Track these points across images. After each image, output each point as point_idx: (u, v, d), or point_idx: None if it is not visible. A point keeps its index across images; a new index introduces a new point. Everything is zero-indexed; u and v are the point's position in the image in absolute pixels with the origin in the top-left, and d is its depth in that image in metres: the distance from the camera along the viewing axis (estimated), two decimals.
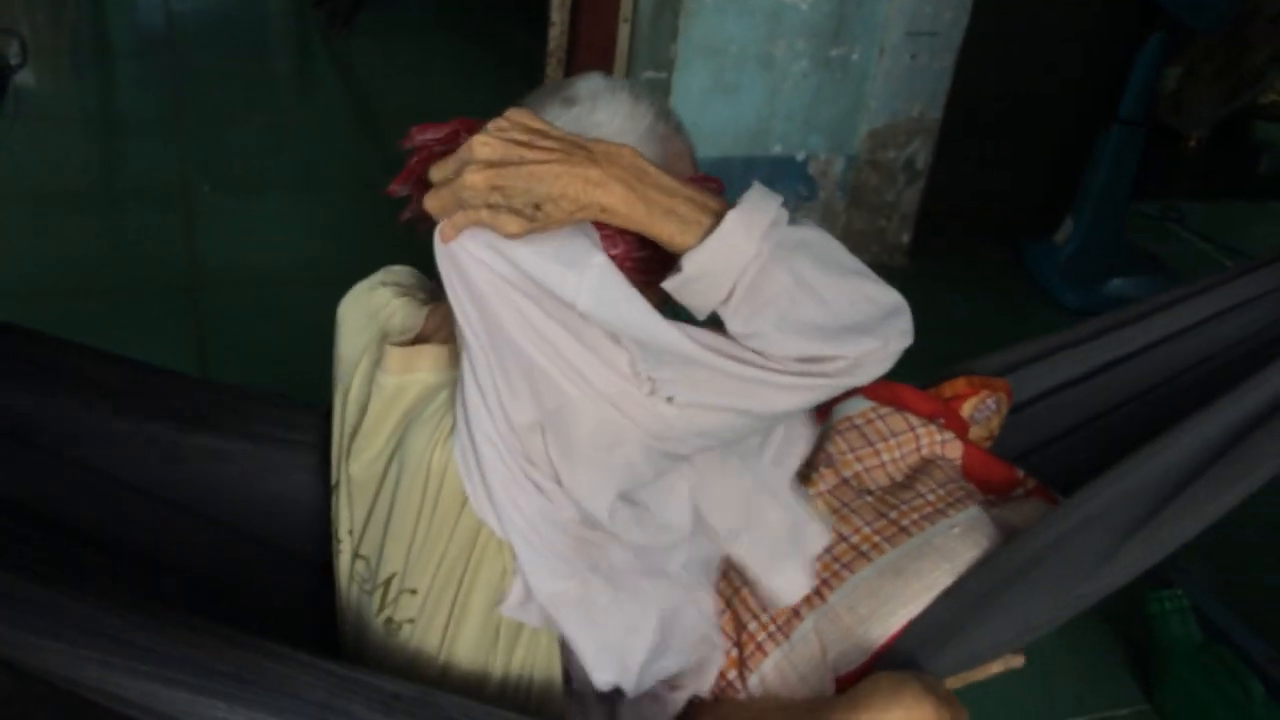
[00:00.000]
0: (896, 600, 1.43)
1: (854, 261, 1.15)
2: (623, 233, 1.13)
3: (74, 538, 1.37)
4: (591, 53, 3.24)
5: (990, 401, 1.71)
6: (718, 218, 1.08)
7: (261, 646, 1.13)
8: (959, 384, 1.73)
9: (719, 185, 1.20)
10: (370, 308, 1.38)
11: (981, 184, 3.84)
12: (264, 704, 1.10)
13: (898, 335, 1.12)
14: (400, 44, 4.98)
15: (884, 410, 1.65)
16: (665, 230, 1.08)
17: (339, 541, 1.38)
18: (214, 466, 1.50)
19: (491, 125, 1.08)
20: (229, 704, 1.09)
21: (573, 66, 3.31)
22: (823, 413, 1.69)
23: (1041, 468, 1.71)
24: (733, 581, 1.47)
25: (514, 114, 1.09)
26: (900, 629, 1.42)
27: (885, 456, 1.62)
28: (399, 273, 1.43)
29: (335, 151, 4.00)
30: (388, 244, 3.39)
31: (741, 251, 1.07)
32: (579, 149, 1.07)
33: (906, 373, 1.80)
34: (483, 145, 1.06)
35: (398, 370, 1.27)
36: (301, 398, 1.63)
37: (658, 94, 1.16)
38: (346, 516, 1.35)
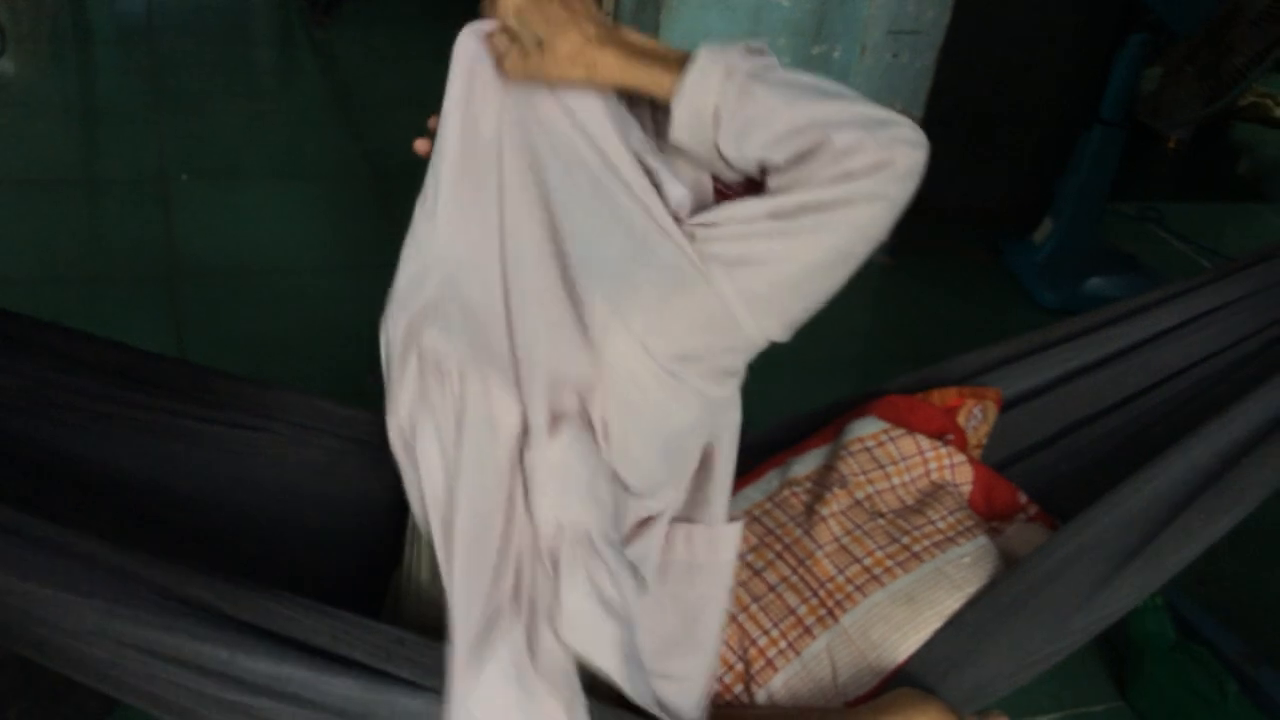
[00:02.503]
0: (909, 627, 1.43)
1: (847, 90, 1.18)
2: None
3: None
4: None
5: (977, 410, 1.71)
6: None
7: (267, 592, 1.14)
8: (949, 394, 1.72)
9: None
10: None
11: (962, 183, 3.85)
12: (266, 651, 1.10)
13: (891, 139, 1.13)
14: (382, 34, 4.96)
15: (895, 432, 1.64)
16: (649, 77, 1.18)
17: None
18: (198, 450, 1.49)
19: None
20: (231, 651, 1.09)
21: None
22: (833, 431, 1.69)
23: (1026, 479, 1.71)
24: (739, 598, 1.47)
25: None
26: (908, 657, 1.42)
27: (895, 480, 1.62)
28: None
29: (316, 141, 3.98)
30: (368, 233, 3.39)
31: (715, 74, 1.15)
32: (589, 18, 1.20)
33: (886, 370, 1.81)
34: None
35: None
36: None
37: None
38: None
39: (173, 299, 2.96)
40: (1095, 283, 3.51)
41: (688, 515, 1.38)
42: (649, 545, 1.31)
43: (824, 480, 1.61)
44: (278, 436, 1.52)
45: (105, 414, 1.44)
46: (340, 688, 1.12)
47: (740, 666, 1.43)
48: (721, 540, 1.38)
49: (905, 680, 1.41)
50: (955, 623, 1.44)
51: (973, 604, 1.46)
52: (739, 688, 1.42)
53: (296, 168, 3.78)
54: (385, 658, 1.14)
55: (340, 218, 3.43)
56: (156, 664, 1.10)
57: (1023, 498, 1.67)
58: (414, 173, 1.23)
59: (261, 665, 1.10)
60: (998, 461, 1.74)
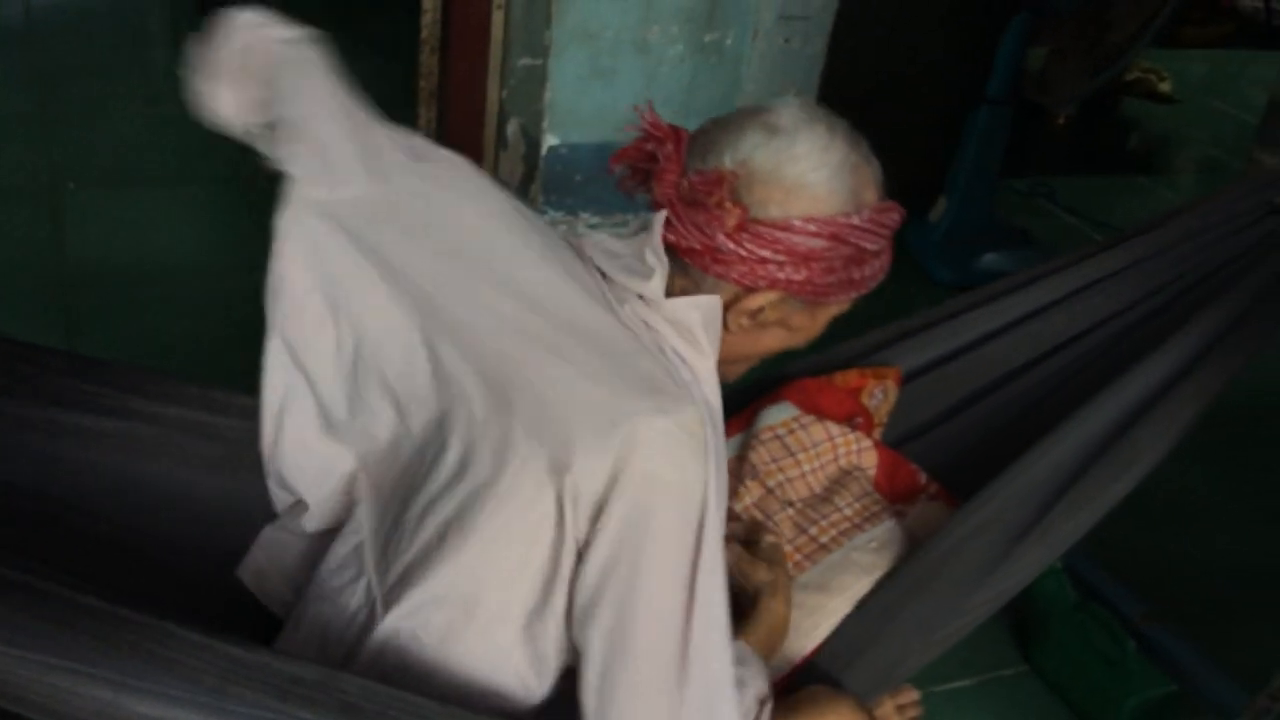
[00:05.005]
0: (820, 613, 1.45)
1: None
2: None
3: None
4: (466, 40, 3.21)
5: (878, 391, 1.72)
6: None
7: (153, 627, 1.08)
8: (851, 376, 1.73)
9: (901, 213, 1.31)
10: None
11: None
12: (151, 691, 1.05)
13: None
14: None
15: (805, 419, 1.65)
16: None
17: None
18: (84, 451, 1.43)
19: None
20: (115, 691, 1.04)
21: (447, 54, 3.27)
22: (745, 420, 1.69)
23: (925, 455, 1.73)
24: None
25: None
26: (819, 644, 1.44)
27: (806, 467, 1.63)
28: None
29: (209, 144, 3.89)
30: (264, 235, 3.32)
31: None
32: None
33: (785, 355, 1.82)
34: None
35: None
36: None
37: (847, 124, 1.29)
38: None
39: (66, 308, 2.90)
40: (990, 258, 3.57)
41: None
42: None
43: (738, 471, 1.62)
44: (173, 429, 1.49)
45: None
46: None
47: None
48: None
49: (816, 667, 1.42)
50: (862, 607, 1.46)
51: (878, 588, 1.48)
52: None
53: (190, 172, 3.71)
54: (280, 697, 1.08)
55: (236, 220, 3.37)
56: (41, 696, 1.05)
57: (923, 477, 1.69)
58: None
59: (144, 709, 1.05)
60: (896, 438, 1.76)
